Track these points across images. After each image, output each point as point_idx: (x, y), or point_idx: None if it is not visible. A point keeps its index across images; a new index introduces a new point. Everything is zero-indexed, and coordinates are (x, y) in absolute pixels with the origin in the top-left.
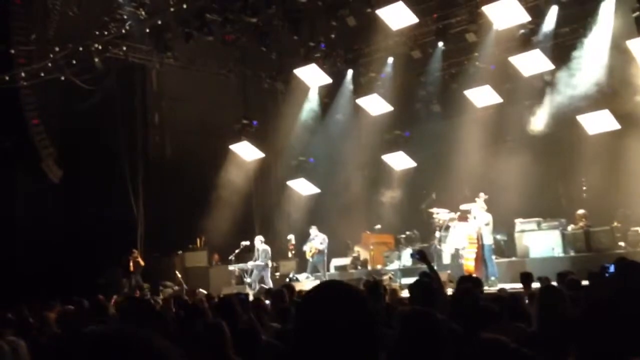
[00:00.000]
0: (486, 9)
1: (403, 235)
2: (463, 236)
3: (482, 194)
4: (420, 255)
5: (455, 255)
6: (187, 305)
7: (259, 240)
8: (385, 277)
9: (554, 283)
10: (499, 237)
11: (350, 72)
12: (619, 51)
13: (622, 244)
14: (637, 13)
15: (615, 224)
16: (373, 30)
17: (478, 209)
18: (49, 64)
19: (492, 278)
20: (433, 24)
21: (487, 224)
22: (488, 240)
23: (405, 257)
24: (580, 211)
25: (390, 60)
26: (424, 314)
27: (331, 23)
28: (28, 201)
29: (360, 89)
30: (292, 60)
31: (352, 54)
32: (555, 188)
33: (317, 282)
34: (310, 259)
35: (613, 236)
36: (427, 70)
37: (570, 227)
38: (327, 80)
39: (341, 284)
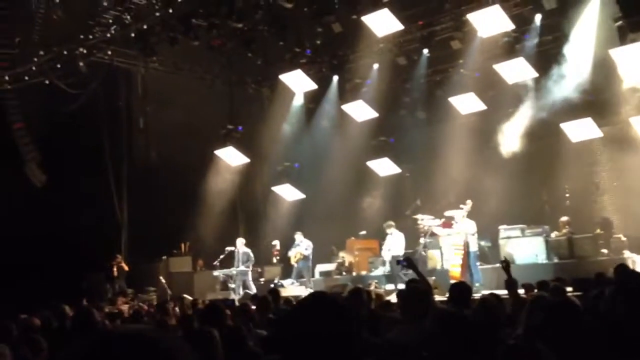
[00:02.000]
0: (471, 17)
1: None
2: (400, 245)
3: (469, 201)
4: (408, 262)
5: (393, 263)
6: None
7: (240, 243)
8: (372, 287)
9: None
10: (483, 243)
11: (335, 78)
12: (602, 60)
13: (604, 251)
14: (620, 22)
15: (598, 231)
16: (358, 36)
17: (461, 216)
18: (33, 68)
19: (477, 284)
20: (418, 31)
21: (473, 234)
22: (473, 247)
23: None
24: (564, 218)
25: (376, 66)
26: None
27: (317, 29)
28: (11, 205)
29: (346, 95)
30: (278, 66)
31: (338, 60)
32: (538, 195)
33: (302, 287)
34: (295, 265)
35: (596, 243)
36: (412, 77)
37: (553, 234)
38: (313, 86)
39: (326, 297)
